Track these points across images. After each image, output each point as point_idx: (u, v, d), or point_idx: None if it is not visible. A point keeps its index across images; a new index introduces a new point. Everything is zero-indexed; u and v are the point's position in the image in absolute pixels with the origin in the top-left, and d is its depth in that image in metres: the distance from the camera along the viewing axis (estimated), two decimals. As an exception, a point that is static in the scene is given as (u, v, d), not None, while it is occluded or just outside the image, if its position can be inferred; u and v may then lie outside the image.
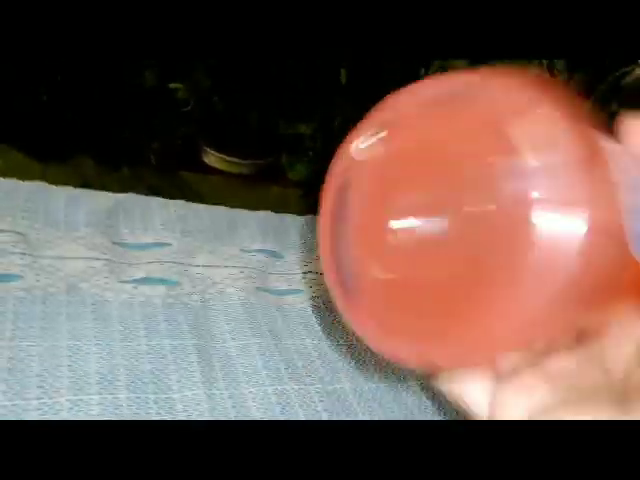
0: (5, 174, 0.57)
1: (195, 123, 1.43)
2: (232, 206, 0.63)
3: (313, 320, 0.49)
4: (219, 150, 1.12)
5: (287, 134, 1.38)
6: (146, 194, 0.59)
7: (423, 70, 0.79)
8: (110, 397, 0.35)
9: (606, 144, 0.17)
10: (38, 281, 0.42)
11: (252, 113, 1.46)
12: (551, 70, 0.59)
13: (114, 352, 0.38)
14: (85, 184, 0.61)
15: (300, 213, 0.70)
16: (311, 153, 1.40)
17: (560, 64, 0.59)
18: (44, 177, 0.55)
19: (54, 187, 0.53)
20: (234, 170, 1.05)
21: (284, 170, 1.42)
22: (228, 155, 1.06)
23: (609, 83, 0.57)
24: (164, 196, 0.59)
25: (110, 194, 0.55)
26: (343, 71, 0.79)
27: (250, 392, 0.39)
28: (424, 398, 0.46)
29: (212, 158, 0.99)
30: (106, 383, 0.36)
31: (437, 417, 0.44)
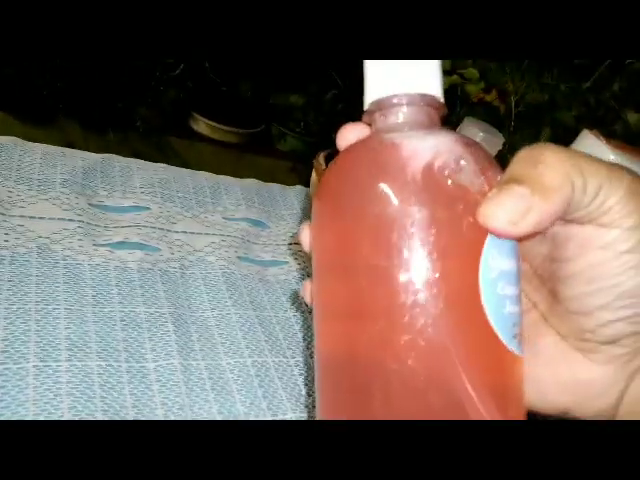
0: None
1: (184, 88, 1.39)
2: (220, 174, 0.61)
3: (298, 292, 0.47)
4: (208, 117, 1.09)
5: (278, 104, 1.35)
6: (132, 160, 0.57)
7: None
8: (80, 364, 0.33)
9: None
10: (7, 241, 0.39)
11: (244, 81, 1.42)
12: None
13: (85, 318, 0.36)
14: (69, 146, 0.58)
15: (288, 184, 0.68)
16: (302, 124, 1.37)
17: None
18: (25, 138, 0.52)
19: (30, 143, 0.50)
20: (222, 138, 1.03)
21: (273, 141, 1.39)
22: (217, 122, 1.03)
23: (612, 61, 0.55)
24: (150, 162, 0.56)
25: (89, 154, 0.53)
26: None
27: (228, 363, 0.38)
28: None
29: (200, 125, 0.96)
30: (76, 350, 0.34)
31: None
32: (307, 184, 0.70)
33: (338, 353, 0.21)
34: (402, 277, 0.19)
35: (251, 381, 0.37)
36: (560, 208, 0.19)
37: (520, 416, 0.21)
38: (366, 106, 0.23)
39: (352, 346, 0.20)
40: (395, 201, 0.19)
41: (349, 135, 0.23)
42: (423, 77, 0.22)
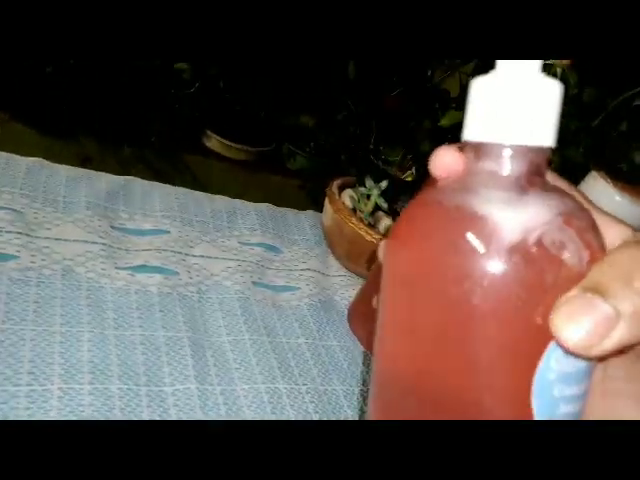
0: (4, 145, 0.56)
1: (199, 106, 1.42)
2: (230, 192, 0.62)
3: (308, 318, 0.48)
4: (221, 135, 1.12)
5: (289, 124, 1.38)
6: (146, 175, 0.59)
7: (430, 71, 0.78)
8: (101, 387, 0.35)
9: None
10: (33, 262, 0.41)
11: (256, 100, 1.45)
12: (565, 82, 0.58)
13: (107, 340, 0.38)
14: (86, 161, 0.60)
15: (297, 202, 0.70)
16: (312, 144, 1.39)
17: (573, 77, 0.59)
18: (45, 152, 0.54)
19: (55, 165, 0.52)
20: (234, 156, 1.05)
21: (284, 159, 1.41)
22: (230, 140, 1.05)
23: (621, 101, 0.57)
24: (163, 177, 0.58)
25: (111, 176, 0.54)
26: (352, 66, 0.78)
27: (242, 389, 0.39)
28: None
29: (214, 142, 0.98)
30: (98, 372, 0.35)
31: None
32: (315, 202, 0.72)
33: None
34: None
35: (264, 407, 0.38)
36: None
37: None
38: (466, 136, 0.19)
39: None
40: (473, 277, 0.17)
41: (445, 159, 0.20)
42: (540, 124, 0.18)
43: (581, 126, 0.57)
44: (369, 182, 0.55)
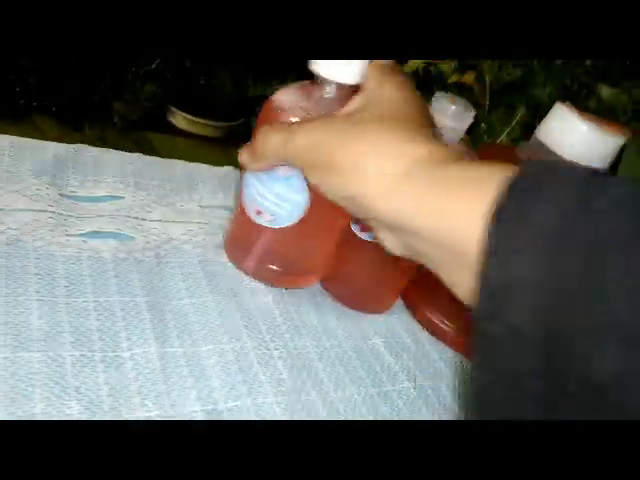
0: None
1: (162, 82, 1.37)
2: None
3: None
4: (186, 111, 1.08)
5: (257, 96, 1.34)
6: None
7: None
8: (53, 354, 0.33)
9: None
10: (-25, 233, 0.38)
11: (222, 73, 1.40)
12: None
13: (57, 308, 0.36)
14: None
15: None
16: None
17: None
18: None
19: (-4, 135, 0.49)
20: (201, 132, 1.02)
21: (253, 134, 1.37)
22: (196, 116, 1.02)
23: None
24: None
25: (59, 144, 0.52)
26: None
27: (207, 349, 0.37)
28: (387, 356, 0.44)
29: (179, 119, 0.95)
30: (49, 340, 0.33)
31: (403, 377, 0.43)
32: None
33: None
34: None
35: (229, 366, 0.37)
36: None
37: None
38: None
39: None
40: None
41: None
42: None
43: (545, 65, 0.55)
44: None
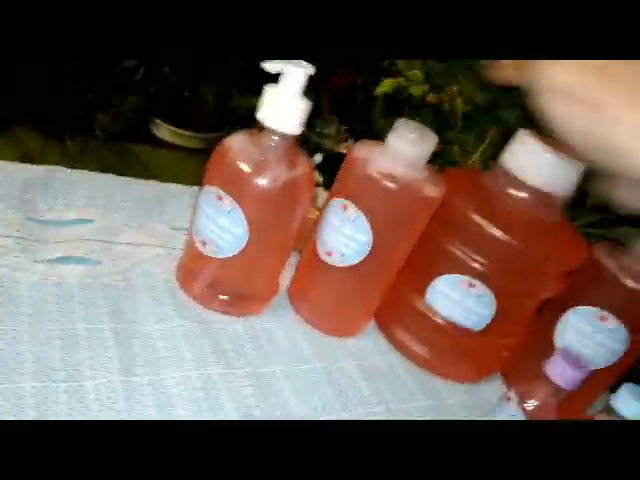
0: None
1: (145, 94, 1.36)
2: (185, 180, 0.60)
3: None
4: (170, 122, 1.07)
5: (241, 107, 1.34)
6: (93, 168, 0.56)
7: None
8: (13, 387, 0.32)
9: None
10: (-64, 260, 0.38)
11: (205, 84, 1.40)
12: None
13: (19, 337, 0.35)
14: (25, 157, 0.56)
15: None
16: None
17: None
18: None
19: (-37, 158, 0.48)
20: (186, 144, 1.01)
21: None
22: (180, 128, 1.01)
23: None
24: (112, 171, 0.55)
25: (30, 166, 0.51)
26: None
27: (172, 377, 0.37)
28: (358, 379, 0.44)
29: (162, 131, 0.95)
30: (8, 371, 0.33)
31: (373, 398, 0.43)
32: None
33: None
34: None
35: (196, 394, 0.37)
36: None
37: None
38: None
39: None
40: None
41: None
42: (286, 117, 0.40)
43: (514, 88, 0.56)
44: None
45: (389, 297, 0.52)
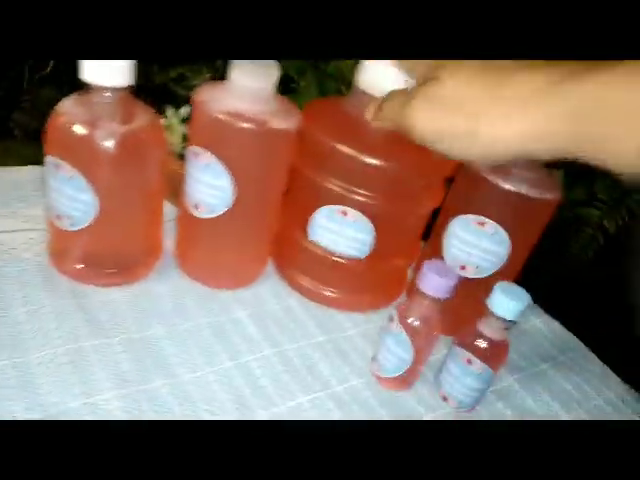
0: None
1: (59, 86, 1.31)
2: None
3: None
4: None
5: (164, 83, 1.30)
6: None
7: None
8: None
9: None
10: None
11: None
12: None
13: None
14: None
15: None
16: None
17: None
18: None
19: None
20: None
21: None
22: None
23: None
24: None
25: None
26: None
27: (37, 357, 0.36)
28: (250, 326, 0.44)
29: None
30: None
31: (264, 342, 0.43)
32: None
33: None
34: None
35: (62, 369, 0.36)
36: None
37: None
38: None
39: None
40: None
41: None
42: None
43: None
44: (169, 111, 0.51)
45: (279, 239, 0.51)
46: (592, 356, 0.53)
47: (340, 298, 0.49)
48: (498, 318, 0.37)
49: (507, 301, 0.37)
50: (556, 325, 0.55)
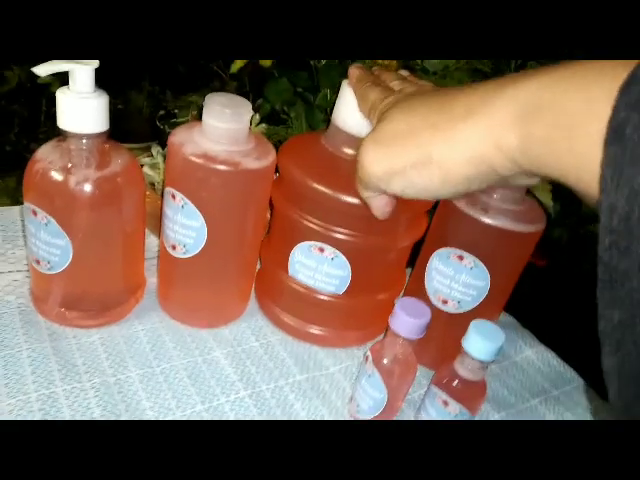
0: None
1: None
2: None
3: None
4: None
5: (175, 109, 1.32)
6: None
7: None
8: None
9: None
10: None
11: (136, 95, 1.40)
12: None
13: None
14: None
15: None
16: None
17: None
18: None
19: None
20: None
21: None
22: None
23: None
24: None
25: None
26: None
27: (8, 404, 0.36)
28: (227, 367, 0.43)
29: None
30: None
31: (239, 383, 0.42)
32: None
33: None
34: None
35: (33, 415, 0.36)
36: None
37: None
38: None
39: None
40: None
41: None
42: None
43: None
44: (154, 149, 0.52)
45: (262, 277, 0.51)
46: (589, 390, 0.51)
47: (324, 335, 0.48)
48: (473, 358, 0.36)
49: (481, 341, 0.36)
50: (551, 356, 0.54)
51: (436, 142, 0.28)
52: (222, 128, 0.40)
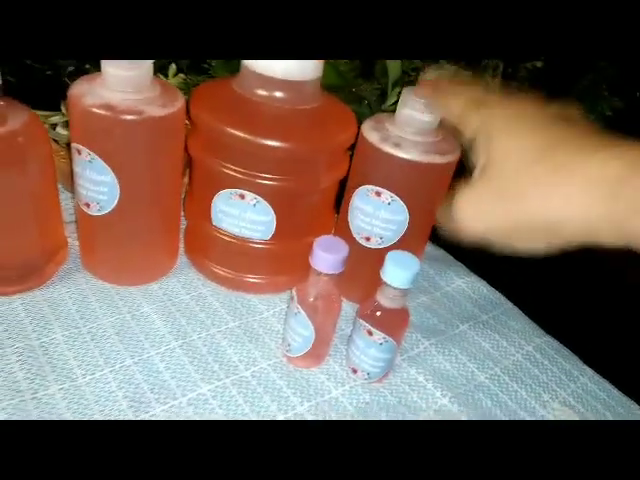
0: None
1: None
2: None
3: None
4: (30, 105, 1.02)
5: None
6: None
7: None
8: None
9: None
10: None
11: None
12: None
13: None
14: None
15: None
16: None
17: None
18: None
19: None
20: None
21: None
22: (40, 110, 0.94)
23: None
24: None
25: None
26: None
27: None
28: (157, 321, 0.43)
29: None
30: None
31: (170, 335, 0.42)
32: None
33: None
34: None
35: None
36: None
37: None
38: None
39: None
40: None
41: None
42: None
43: None
44: (64, 107, 0.50)
45: (189, 231, 0.51)
46: (516, 311, 0.53)
47: (256, 283, 0.48)
48: (390, 286, 0.37)
49: (396, 270, 0.37)
50: (481, 285, 0.56)
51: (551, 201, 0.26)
52: (122, 76, 0.38)
